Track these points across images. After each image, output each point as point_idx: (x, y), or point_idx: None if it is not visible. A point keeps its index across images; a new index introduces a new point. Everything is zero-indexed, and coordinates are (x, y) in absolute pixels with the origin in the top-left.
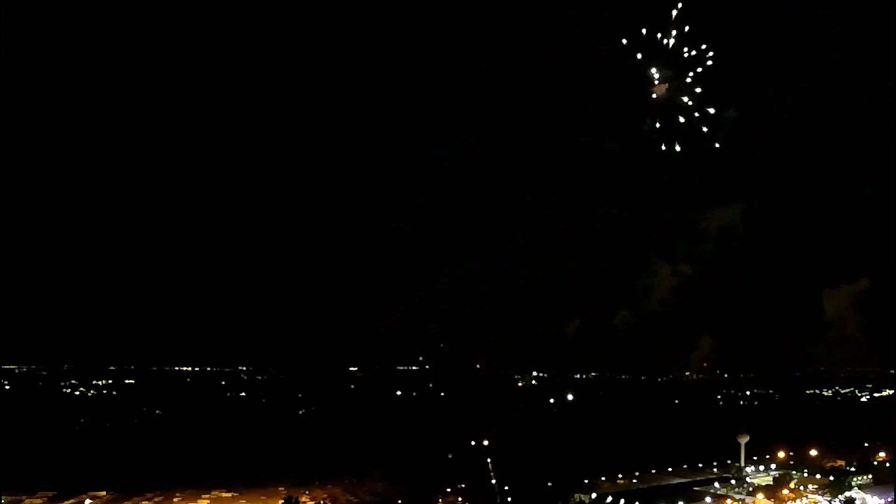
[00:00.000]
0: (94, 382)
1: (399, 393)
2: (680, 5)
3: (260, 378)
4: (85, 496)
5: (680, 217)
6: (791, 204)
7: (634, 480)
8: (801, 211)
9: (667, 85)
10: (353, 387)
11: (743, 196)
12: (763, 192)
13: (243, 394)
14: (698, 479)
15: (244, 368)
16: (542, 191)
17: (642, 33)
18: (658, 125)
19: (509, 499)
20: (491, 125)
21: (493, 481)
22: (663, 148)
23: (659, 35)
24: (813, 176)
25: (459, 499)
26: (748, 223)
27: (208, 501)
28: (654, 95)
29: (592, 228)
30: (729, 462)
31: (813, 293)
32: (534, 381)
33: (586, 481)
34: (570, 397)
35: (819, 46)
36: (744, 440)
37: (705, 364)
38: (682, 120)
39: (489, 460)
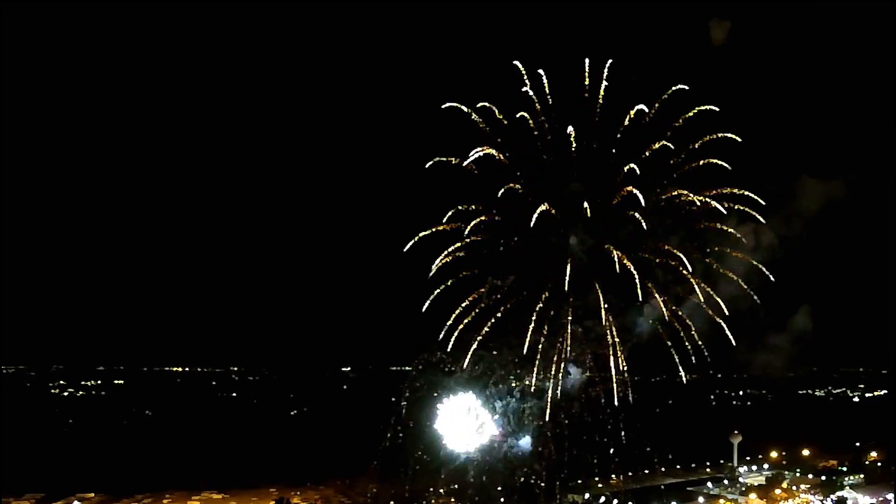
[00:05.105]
0: (82, 383)
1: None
2: None
3: (251, 378)
4: (73, 498)
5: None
6: None
7: (628, 480)
8: None
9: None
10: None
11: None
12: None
13: (234, 394)
14: (691, 479)
15: (235, 369)
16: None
17: None
18: None
19: (502, 499)
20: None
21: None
22: None
23: None
24: None
25: (452, 500)
26: (853, 198)
27: (199, 503)
28: None
29: None
30: (722, 462)
31: None
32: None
33: (579, 481)
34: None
35: None
36: (737, 440)
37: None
38: None
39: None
